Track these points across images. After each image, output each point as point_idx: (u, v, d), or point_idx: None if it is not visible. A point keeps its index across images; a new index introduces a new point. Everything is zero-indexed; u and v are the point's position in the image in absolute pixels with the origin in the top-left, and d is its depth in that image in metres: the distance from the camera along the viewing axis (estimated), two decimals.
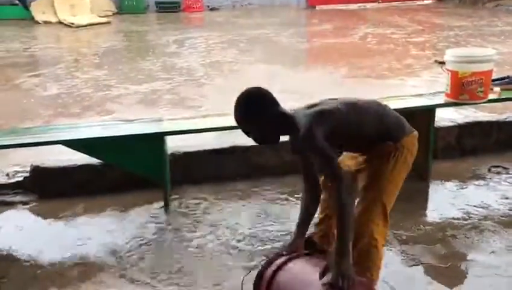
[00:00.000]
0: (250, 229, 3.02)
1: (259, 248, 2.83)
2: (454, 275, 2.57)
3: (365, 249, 2.12)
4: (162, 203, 3.31)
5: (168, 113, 4.33)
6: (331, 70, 6.09)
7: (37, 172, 3.48)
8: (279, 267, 2.11)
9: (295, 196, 3.36)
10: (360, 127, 2.15)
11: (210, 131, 3.37)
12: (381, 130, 2.19)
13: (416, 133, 2.31)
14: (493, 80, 3.45)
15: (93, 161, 3.44)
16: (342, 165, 2.21)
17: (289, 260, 2.13)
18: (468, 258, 2.68)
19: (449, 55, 3.34)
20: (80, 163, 3.49)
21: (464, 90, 3.28)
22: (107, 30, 10.06)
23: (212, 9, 12.23)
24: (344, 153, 2.43)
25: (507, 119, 3.96)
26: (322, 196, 2.34)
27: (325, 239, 2.41)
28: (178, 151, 3.60)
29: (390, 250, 2.75)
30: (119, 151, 3.10)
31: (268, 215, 3.15)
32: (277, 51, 7.43)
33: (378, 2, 12.57)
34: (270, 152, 3.72)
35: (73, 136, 3.13)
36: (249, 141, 3.65)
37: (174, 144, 3.56)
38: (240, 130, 3.46)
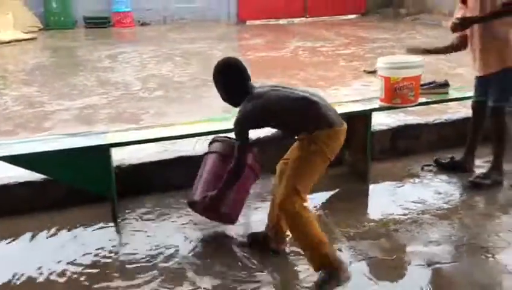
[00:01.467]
0: (200, 238, 3.04)
1: (212, 255, 2.86)
2: (400, 265, 2.74)
3: (298, 226, 2.49)
4: (109, 218, 3.26)
5: (108, 128, 4.24)
6: (268, 81, 6.24)
7: None
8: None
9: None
10: (283, 116, 2.59)
11: (157, 141, 3.38)
12: (300, 121, 2.57)
13: (338, 128, 2.57)
14: (421, 85, 3.72)
15: (35, 176, 3.33)
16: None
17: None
18: (411, 249, 2.87)
19: (381, 62, 3.56)
20: (20, 180, 3.35)
21: (396, 94, 3.52)
22: (34, 46, 9.66)
23: (142, 24, 12.11)
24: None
25: (435, 122, 4.28)
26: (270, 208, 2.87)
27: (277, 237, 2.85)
28: (123, 164, 3.55)
29: (340, 247, 2.89)
30: (64, 166, 3.02)
31: (217, 224, 3.16)
32: (213, 64, 7.48)
33: (306, 17, 13.04)
34: None
35: (13, 151, 3.01)
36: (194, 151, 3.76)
37: (118, 157, 3.52)
38: (185, 140, 3.51)
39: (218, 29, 11.38)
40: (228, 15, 12.69)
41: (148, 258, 2.83)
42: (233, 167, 2.65)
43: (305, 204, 2.52)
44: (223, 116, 4.19)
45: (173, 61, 7.75)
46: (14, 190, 3.36)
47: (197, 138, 3.62)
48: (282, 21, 12.79)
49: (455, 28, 3.43)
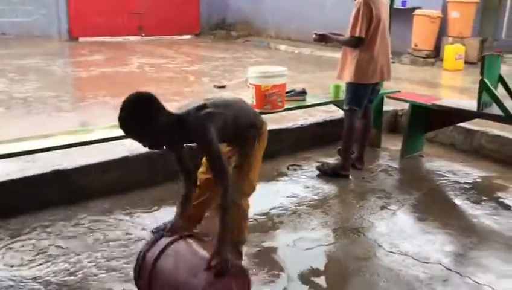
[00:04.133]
0: (88, 255, 2.91)
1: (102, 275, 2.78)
2: (292, 251, 3.02)
3: (237, 215, 2.56)
4: None
5: None
6: (120, 96, 6.11)
7: None
8: (163, 250, 2.22)
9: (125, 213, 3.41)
10: (236, 121, 2.50)
11: (29, 154, 3.14)
12: (247, 121, 2.61)
13: (265, 126, 2.78)
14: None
15: None
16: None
17: (171, 242, 2.26)
18: (298, 237, 3.18)
19: (252, 72, 3.88)
20: None
21: (267, 101, 3.86)
22: None
23: None
24: None
25: (293, 127, 4.75)
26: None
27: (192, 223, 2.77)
28: None
29: None
30: None
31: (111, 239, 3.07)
32: (56, 80, 7.05)
33: (142, 36, 12.99)
34: (95, 173, 3.62)
35: None
36: (70, 163, 3.55)
37: None
38: (58, 152, 3.30)
39: (50, 46, 10.67)
40: (59, 31, 11.95)
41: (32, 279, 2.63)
42: (227, 190, 2.25)
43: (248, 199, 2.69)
44: (83, 128, 4.04)
45: (7, 77, 7.06)
46: None
47: None
48: (117, 39, 12.53)
49: (314, 40, 3.97)
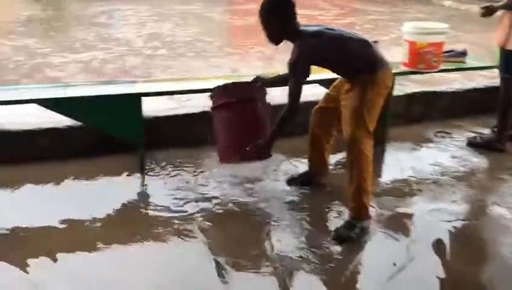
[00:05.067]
0: (224, 190, 3.09)
1: (239, 207, 2.93)
2: (427, 221, 2.86)
3: (358, 161, 2.61)
4: (136, 168, 3.27)
5: None
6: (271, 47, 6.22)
7: None
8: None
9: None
10: (349, 59, 2.63)
11: (191, 93, 3.38)
12: (360, 62, 2.63)
13: (391, 69, 2.72)
14: None
15: (58, 124, 3.30)
16: (334, 85, 2.90)
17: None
18: (436, 207, 2.99)
19: (408, 27, 3.62)
20: (44, 126, 3.31)
21: (421, 59, 3.60)
22: None
23: None
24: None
25: (447, 90, 4.40)
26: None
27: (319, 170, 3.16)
28: (148, 116, 3.53)
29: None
30: (99, 112, 3.00)
31: (243, 180, 3.21)
32: (214, 26, 7.44)
33: None
34: None
35: (47, 95, 2.97)
36: None
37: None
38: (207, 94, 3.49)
39: None
40: None
41: (173, 208, 2.88)
42: (288, 110, 2.61)
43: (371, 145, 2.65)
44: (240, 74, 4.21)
45: (172, 21, 7.63)
46: (38, 137, 3.32)
47: None
48: None
49: (481, 15, 3.57)
